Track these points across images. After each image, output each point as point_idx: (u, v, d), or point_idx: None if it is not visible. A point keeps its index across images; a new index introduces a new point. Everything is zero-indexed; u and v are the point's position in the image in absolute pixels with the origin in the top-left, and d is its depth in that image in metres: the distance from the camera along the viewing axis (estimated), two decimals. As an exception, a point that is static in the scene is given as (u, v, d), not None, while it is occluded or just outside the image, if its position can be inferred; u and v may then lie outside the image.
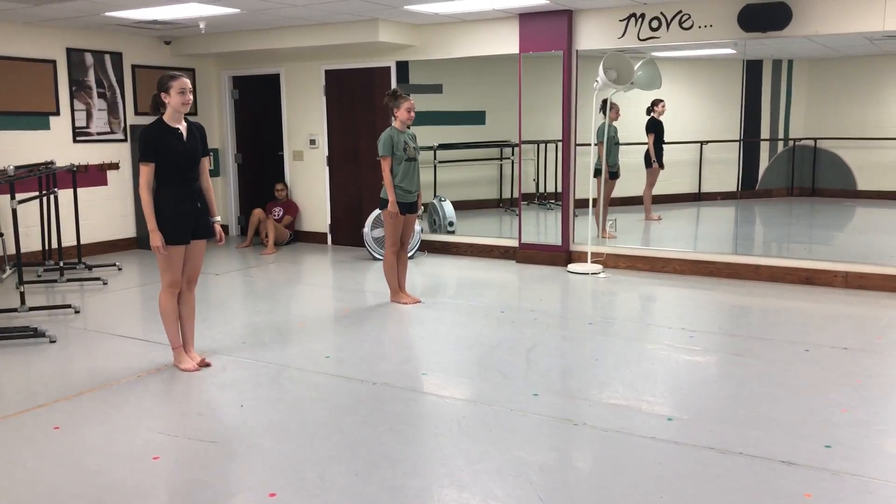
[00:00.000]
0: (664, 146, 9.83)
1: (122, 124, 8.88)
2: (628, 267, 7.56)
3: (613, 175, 8.82)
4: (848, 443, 3.45)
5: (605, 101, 8.42)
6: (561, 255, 7.79)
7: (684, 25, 6.98)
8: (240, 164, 10.12)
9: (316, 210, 9.51)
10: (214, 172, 9.95)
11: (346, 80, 9.02)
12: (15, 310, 5.91)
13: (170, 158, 4.33)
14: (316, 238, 9.54)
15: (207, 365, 4.64)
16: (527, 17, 7.62)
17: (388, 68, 8.69)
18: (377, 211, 8.37)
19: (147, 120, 8.87)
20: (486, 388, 4.26)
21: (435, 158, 10.56)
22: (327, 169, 9.33)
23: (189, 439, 3.57)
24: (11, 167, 5.59)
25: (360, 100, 8.96)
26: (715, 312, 6.02)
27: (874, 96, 12.67)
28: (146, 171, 4.32)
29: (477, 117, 11.56)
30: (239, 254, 8.86)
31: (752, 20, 6.49)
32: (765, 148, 13.12)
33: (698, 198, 12.28)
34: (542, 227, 8.54)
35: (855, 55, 12.41)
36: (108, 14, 7.31)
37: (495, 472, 3.18)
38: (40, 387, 4.35)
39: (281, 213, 9.41)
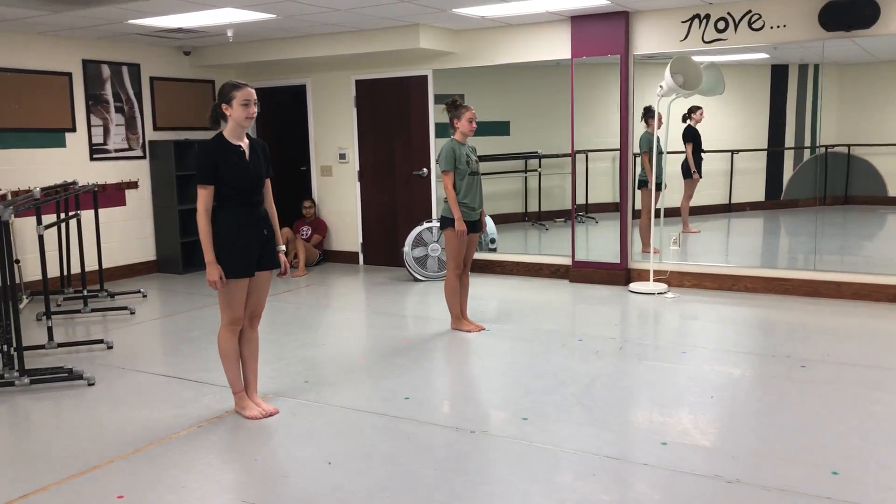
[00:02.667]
0: (703, 155, 9.38)
1: (141, 140, 8.32)
2: (694, 285, 7.05)
3: (658, 186, 8.31)
4: None
5: (646, 109, 7.94)
6: (620, 274, 7.27)
7: (754, 26, 6.51)
8: (262, 181, 9.55)
9: (346, 228, 8.97)
10: (235, 190, 9.39)
11: (378, 91, 8.50)
12: (42, 346, 5.33)
13: (232, 180, 3.80)
14: (347, 258, 8.99)
15: (274, 413, 4.08)
16: (580, 20, 7.13)
17: (425, 77, 8.19)
18: (418, 229, 7.84)
19: (165, 136, 8.49)
20: (604, 436, 3.72)
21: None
22: (358, 184, 8.79)
23: (282, 510, 3.02)
24: (38, 189, 5.03)
25: (394, 111, 8.44)
26: (816, 337, 5.49)
27: (908, 101, 12.28)
28: (204, 194, 3.80)
29: (501, 128, 11.08)
30: (267, 276, 8.28)
31: (835, 18, 6.02)
32: (789, 156, 12.71)
33: (728, 209, 11.83)
34: (587, 243, 8.03)
35: (891, 59, 12.05)
36: (132, 22, 6.77)
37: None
38: (88, 442, 3.77)
39: (309, 233, 8.86)
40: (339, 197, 8.96)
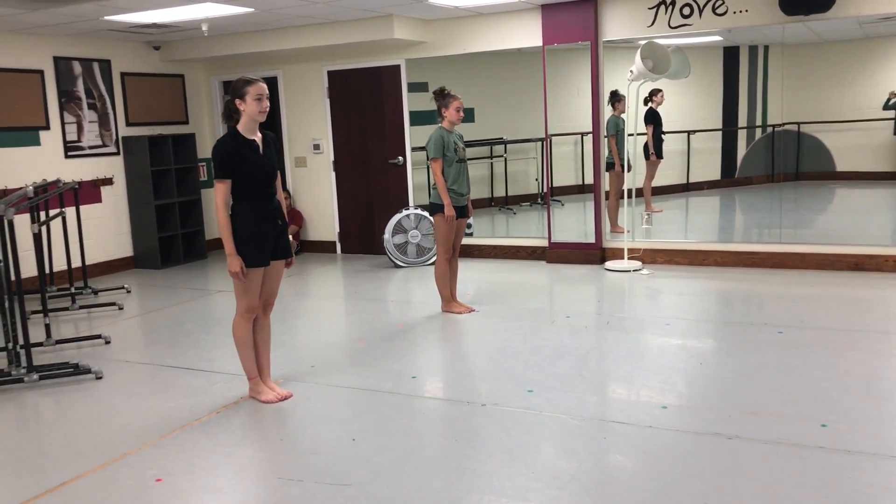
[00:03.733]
0: (663, 136, 9.69)
1: (114, 136, 8.30)
2: (667, 261, 7.36)
3: (627, 168, 8.58)
4: None
5: (613, 93, 8.22)
6: (595, 253, 7.55)
7: (718, 11, 6.81)
8: (234, 174, 9.58)
9: (322, 218, 9.08)
10: (208, 183, 9.42)
11: (351, 81, 8.61)
12: (41, 343, 5.37)
13: (248, 173, 3.91)
14: (324, 248, 9.11)
15: (289, 396, 4.23)
16: (550, 8, 7.34)
17: (398, 67, 8.33)
18: (398, 216, 8.00)
19: (139, 132, 8.45)
20: (607, 403, 3.97)
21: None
22: (333, 174, 8.90)
23: (320, 484, 3.18)
24: (31, 188, 5.06)
25: (368, 101, 8.56)
26: (789, 305, 5.82)
27: (852, 79, 12.80)
28: (223, 188, 3.91)
29: (466, 115, 11.22)
30: (246, 268, 8.35)
31: (795, 3, 6.34)
32: (742, 136, 13.17)
33: (687, 188, 12.20)
34: (556, 225, 8.27)
35: (836, 39, 12.55)
36: (108, 18, 6.76)
37: None
38: (113, 432, 3.87)
39: (285, 223, 8.92)
40: (315, 187, 9.05)
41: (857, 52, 12.60)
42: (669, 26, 7.01)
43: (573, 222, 8.47)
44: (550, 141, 7.93)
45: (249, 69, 9.03)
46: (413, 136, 8.53)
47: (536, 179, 10.06)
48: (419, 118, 8.87)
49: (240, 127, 3.93)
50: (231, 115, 3.94)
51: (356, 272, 7.93)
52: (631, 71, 6.89)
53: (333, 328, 5.86)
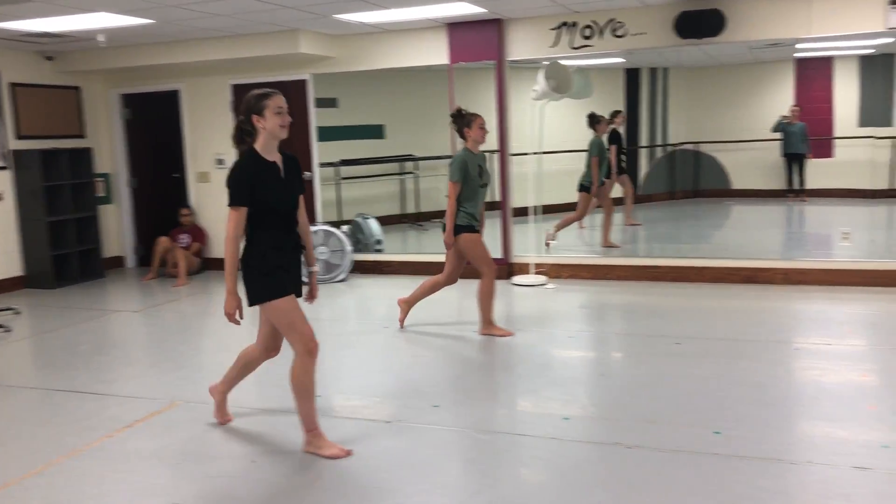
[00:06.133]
0: (624, 156, 9.93)
1: (3, 150, 7.89)
2: (571, 276, 7.51)
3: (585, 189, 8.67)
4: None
5: (591, 116, 8.46)
6: (502, 268, 7.62)
7: (617, 33, 7.03)
8: (134, 190, 9.27)
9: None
10: (105, 199, 9.08)
11: (256, 96, 8.45)
12: (-83, 370, 5.03)
13: (270, 201, 3.40)
14: (228, 265, 8.86)
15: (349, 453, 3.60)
16: (456, 27, 7.42)
17: (304, 81, 8.24)
18: (304, 233, 7.88)
19: (31, 145, 8.05)
20: (512, 415, 4.00)
21: (338, 175, 10.19)
22: (238, 190, 8.70)
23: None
24: None
25: (274, 116, 8.42)
26: (686, 317, 6.02)
27: (745, 101, 13.48)
28: (237, 217, 3.37)
29: (376, 131, 11.28)
30: (146, 287, 8.07)
31: (688, 27, 6.61)
32: (644, 154, 13.65)
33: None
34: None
35: (730, 63, 13.19)
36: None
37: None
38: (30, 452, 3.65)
39: (188, 241, 8.69)
40: (218, 203, 8.82)
41: (749, 75, 13.29)
42: (571, 47, 7.19)
43: (485, 239, 8.55)
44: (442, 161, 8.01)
45: (150, 82, 8.77)
46: (321, 151, 8.45)
47: (447, 196, 10.11)
48: (327, 133, 8.81)
49: (258, 147, 3.43)
50: (244, 137, 3.47)
51: (262, 290, 7.75)
52: (535, 90, 7.03)
53: (236, 348, 5.69)
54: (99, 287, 8.15)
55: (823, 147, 12.90)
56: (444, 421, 3.92)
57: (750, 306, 6.20)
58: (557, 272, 7.56)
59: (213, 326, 6.41)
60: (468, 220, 5.33)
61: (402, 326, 5.80)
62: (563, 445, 3.58)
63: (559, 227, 8.50)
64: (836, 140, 12.95)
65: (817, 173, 12.68)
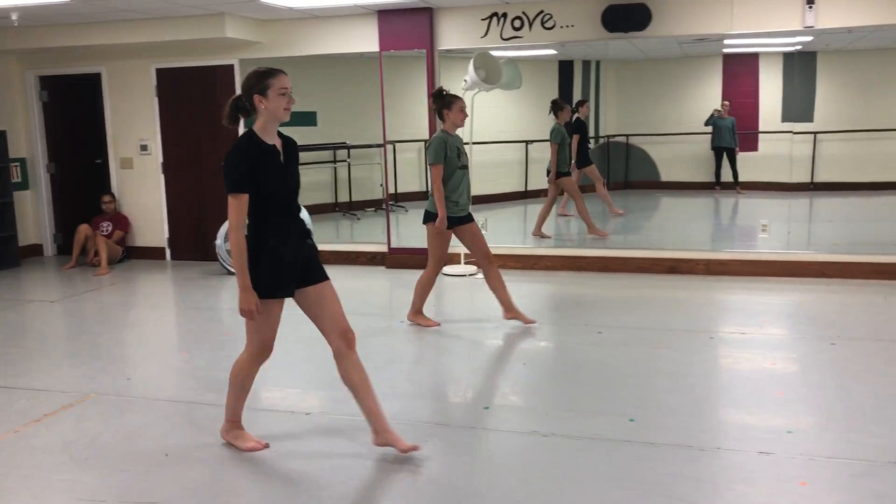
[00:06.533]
0: (590, 145, 9.97)
1: None
2: (501, 266, 7.48)
3: (564, 174, 8.68)
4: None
5: (555, 102, 8.45)
6: (432, 258, 7.62)
7: (546, 25, 7.08)
8: (53, 175, 8.95)
9: (151, 223, 8.63)
10: (22, 185, 8.74)
11: (182, 80, 8.25)
12: None
13: (271, 186, 3.20)
14: (152, 254, 8.66)
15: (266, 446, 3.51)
16: (386, 15, 7.36)
17: (231, 66, 8.07)
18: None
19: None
20: (434, 406, 4.00)
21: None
22: (163, 177, 8.49)
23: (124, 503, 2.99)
24: None
25: (200, 101, 8.24)
26: (609, 306, 6.12)
27: (675, 95, 13.76)
28: (239, 205, 3.14)
29: (308, 118, 11.13)
30: (65, 276, 7.81)
31: (615, 21, 6.70)
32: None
33: (525, 195, 12.59)
34: (399, 231, 8.32)
35: (659, 57, 13.43)
36: None
37: None
38: None
39: (110, 229, 8.43)
40: (142, 190, 8.60)
41: (678, 70, 13.56)
42: (502, 38, 7.21)
43: (415, 228, 8.52)
44: (394, 147, 7.96)
45: (69, 64, 8.46)
46: (248, 138, 8.29)
47: (381, 185, 10.07)
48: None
49: (257, 129, 3.24)
50: (237, 116, 3.29)
51: (186, 280, 7.60)
52: (465, 80, 7.02)
53: (156, 339, 5.58)
54: (14, 276, 7.85)
55: (750, 141, 13.27)
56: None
57: (671, 296, 6.34)
58: (487, 262, 7.58)
59: (135, 317, 6.25)
60: (448, 209, 5.20)
61: (439, 324, 5.54)
62: (480, 434, 3.61)
63: (539, 226, 8.44)
64: (761, 135, 13.33)
65: (743, 167, 13.04)
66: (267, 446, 3.49)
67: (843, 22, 6.50)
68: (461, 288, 6.85)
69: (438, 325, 5.54)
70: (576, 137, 9.15)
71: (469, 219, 5.38)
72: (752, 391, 4.09)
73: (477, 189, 8.08)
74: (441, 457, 3.38)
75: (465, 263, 7.46)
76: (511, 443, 3.51)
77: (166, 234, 8.59)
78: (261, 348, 3.34)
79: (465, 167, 5.34)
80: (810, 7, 6.43)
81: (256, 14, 7.37)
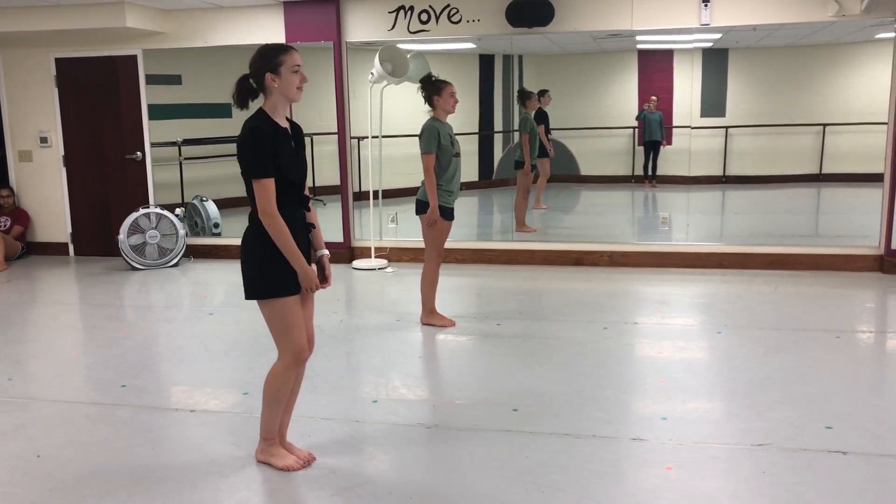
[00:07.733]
0: (550, 136, 9.99)
1: None
2: (412, 259, 7.57)
3: (532, 167, 8.69)
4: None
5: (521, 92, 8.42)
6: (343, 252, 7.60)
7: (453, 19, 7.11)
8: (-53, 168, 8.58)
9: (52, 217, 8.35)
10: (-87, 178, 8.34)
11: (83, 70, 8.00)
12: None
13: (286, 172, 2.98)
14: (54, 249, 8.38)
15: (312, 459, 3.28)
16: (292, 6, 7.28)
17: (135, 57, 7.86)
18: (134, 215, 7.56)
19: None
20: (321, 401, 3.99)
21: (180, 155, 9.81)
22: (64, 170, 8.22)
23: (-15, 509, 2.90)
24: None
25: (102, 92, 8.01)
26: (512, 298, 6.20)
27: (593, 90, 13.98)
28: (268, 190, 2.91)
29: (222, 110, 10.92)
30: (-41, 274, 7.51)
31: (518, 16, 6.78)
32: (498, 139, 13.94)
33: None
34: (323, 226, 8.24)
35: (577, 52, 13.63)
36: None
37: None
38: None
39: (8, 224, 8.13)
40: (42, 184, 8.31)
41: (595, 65, 13.78)
42: (409, 31, 7.22)
43: (332, 222, 8.45)
44: (311, 139, 7.88)
45: (-38, 52, 8.11)
46: (153, 130, 8.11)
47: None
48: (166, 112, 8.45)
49: (268, 109, 3.01)
50: (247, 97, 3.05)
51: (88, 276, 7.38)
52: (372, 73, 7.00)
53: (47, 337, 5.40)
54: None
55: (665, 136, 13.58)
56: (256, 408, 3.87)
57: (573, 287, 6.46)
58: (398, 256, 7.60)
59: (29, 315, 6.04)
60: (441, 199, 5.06)
61: (454, 324, 5.32)
62: (362, 427, 3.61)
63: (520, 220, 8.37)
64: (675, 129, 13.67)
65: (659, 161, 13.34)
66: (310, 462, 3.24)
67: (738, 20, 6.74)
68: (371, 281, 6.84)
69: (454, 324, 5.31)
70: (540, 128, 9.26)
71: (453, 215, 5.23)
72: (636, 380, 4.21)
73: (389, 183, 8.10)
74: (326, 449, 3.38)
75: (376, 257, 7.45)
76: (394, 435, 3.53)
77: (69, 229, 8.33)
78: (294, 353, 3.08)
79: (458, 155, 5.17)
80: (706, 6, 6.63)
81: (158, 3, 7.20)
